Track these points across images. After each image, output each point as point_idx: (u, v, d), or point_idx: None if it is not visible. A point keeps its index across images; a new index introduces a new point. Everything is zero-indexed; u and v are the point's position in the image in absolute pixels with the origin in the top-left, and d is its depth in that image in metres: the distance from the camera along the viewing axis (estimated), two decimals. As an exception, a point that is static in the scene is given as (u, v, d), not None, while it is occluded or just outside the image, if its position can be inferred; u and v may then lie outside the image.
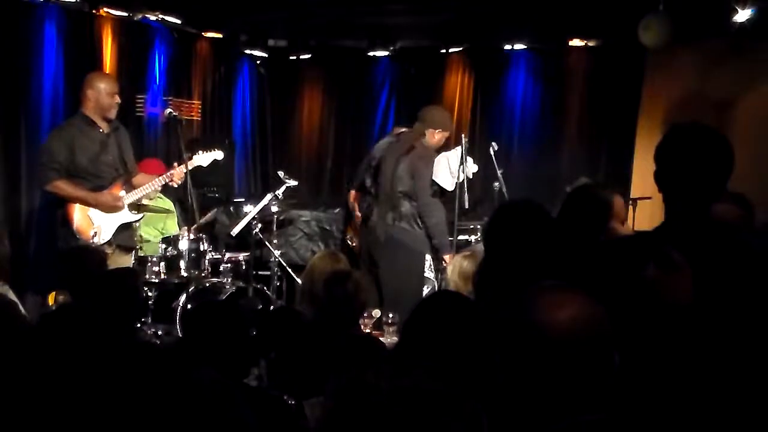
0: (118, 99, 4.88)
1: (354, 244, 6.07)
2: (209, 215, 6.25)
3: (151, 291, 5.11)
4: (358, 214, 5.84)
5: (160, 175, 5.03)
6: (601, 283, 1.93)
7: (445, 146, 5.49)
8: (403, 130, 5.60)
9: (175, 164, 5.06)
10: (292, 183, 5.99)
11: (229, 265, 5.52)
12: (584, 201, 3.02)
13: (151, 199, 5.40)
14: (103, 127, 4.86)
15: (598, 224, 2.84)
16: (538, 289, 1.58)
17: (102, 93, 4.79)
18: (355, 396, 1.19)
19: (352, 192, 6.26)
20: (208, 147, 5.35)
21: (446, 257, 4.90)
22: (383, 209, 4.98)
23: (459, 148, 5.29)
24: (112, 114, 4.87)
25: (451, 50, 7.88)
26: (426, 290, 4.92)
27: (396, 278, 4.76)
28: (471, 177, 5.65)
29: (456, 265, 4.16)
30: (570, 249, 2.42)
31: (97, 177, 4.83)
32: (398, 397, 1.16)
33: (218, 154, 5.31)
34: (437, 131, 4.98)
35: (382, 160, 5.10)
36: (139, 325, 4.59)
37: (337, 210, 7.01)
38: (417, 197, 4.87)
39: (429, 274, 4.96)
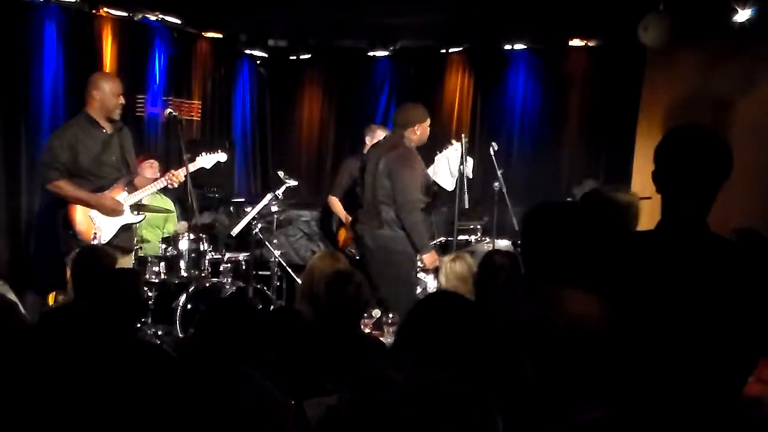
0: (122, 100, 4.84)
1: (352, 250, 6.06)
2: (209, 220, 6.28)
3: (151, 291, 5.11)
4: (348, 216, 5.84)
5: (158, 178, 5.02)
6: (603, 281, 1.94)
7: (445, 146, 5.49)
8: (379, 131, 5.66)
9: (173, 171, 5.05)
10: (292, 183, 5.99)
11: (229, 265, 5.52)
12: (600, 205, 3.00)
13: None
14: (107, 127, 4.83)
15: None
16: (557, 288, 1.58)
17: (107, 94, 4.75)
18: (372, 390, 1.19)
19: (334, 198, 6.24)
20: (211, 149, 5.35)
21: (425, 258, 4.88)
22: (367, 217, 4.99)
23: (459, 148, 5.28)
24: (117, 115, 4.83)
25: (451, 50, 7.89)
26: (419, 291, 4.90)
27: (387, 283, 4.75)
28: (471, 176, 5.65)
29: (447, 270, 4.15)
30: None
31: (99, 177, 4.79)
32: (414, 394, 1.17)
33: (221, 156, 5.29)
34: (416, 127, 4.96)
35: (365, 168, 5.10)
36: (139, 325, 4.60)
37: (316, 212, 6.97)
38: (394, 199, 4.84)
39: (421, 275, 4.94)
